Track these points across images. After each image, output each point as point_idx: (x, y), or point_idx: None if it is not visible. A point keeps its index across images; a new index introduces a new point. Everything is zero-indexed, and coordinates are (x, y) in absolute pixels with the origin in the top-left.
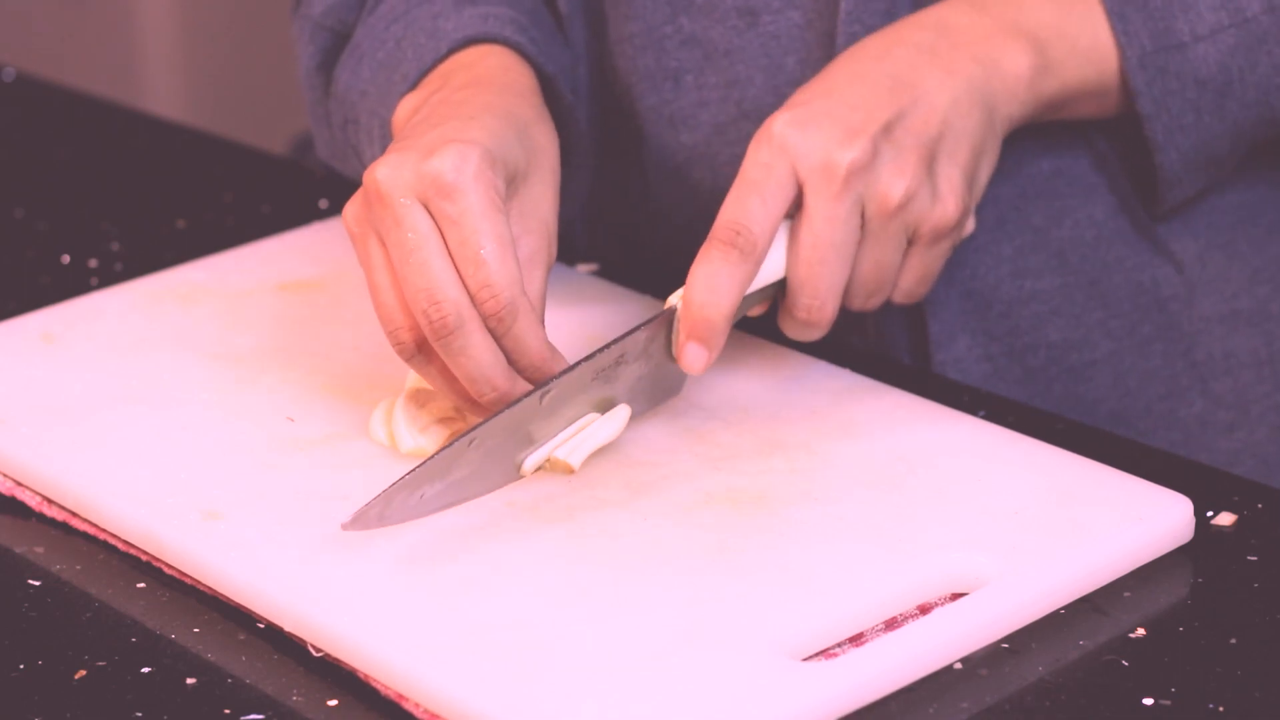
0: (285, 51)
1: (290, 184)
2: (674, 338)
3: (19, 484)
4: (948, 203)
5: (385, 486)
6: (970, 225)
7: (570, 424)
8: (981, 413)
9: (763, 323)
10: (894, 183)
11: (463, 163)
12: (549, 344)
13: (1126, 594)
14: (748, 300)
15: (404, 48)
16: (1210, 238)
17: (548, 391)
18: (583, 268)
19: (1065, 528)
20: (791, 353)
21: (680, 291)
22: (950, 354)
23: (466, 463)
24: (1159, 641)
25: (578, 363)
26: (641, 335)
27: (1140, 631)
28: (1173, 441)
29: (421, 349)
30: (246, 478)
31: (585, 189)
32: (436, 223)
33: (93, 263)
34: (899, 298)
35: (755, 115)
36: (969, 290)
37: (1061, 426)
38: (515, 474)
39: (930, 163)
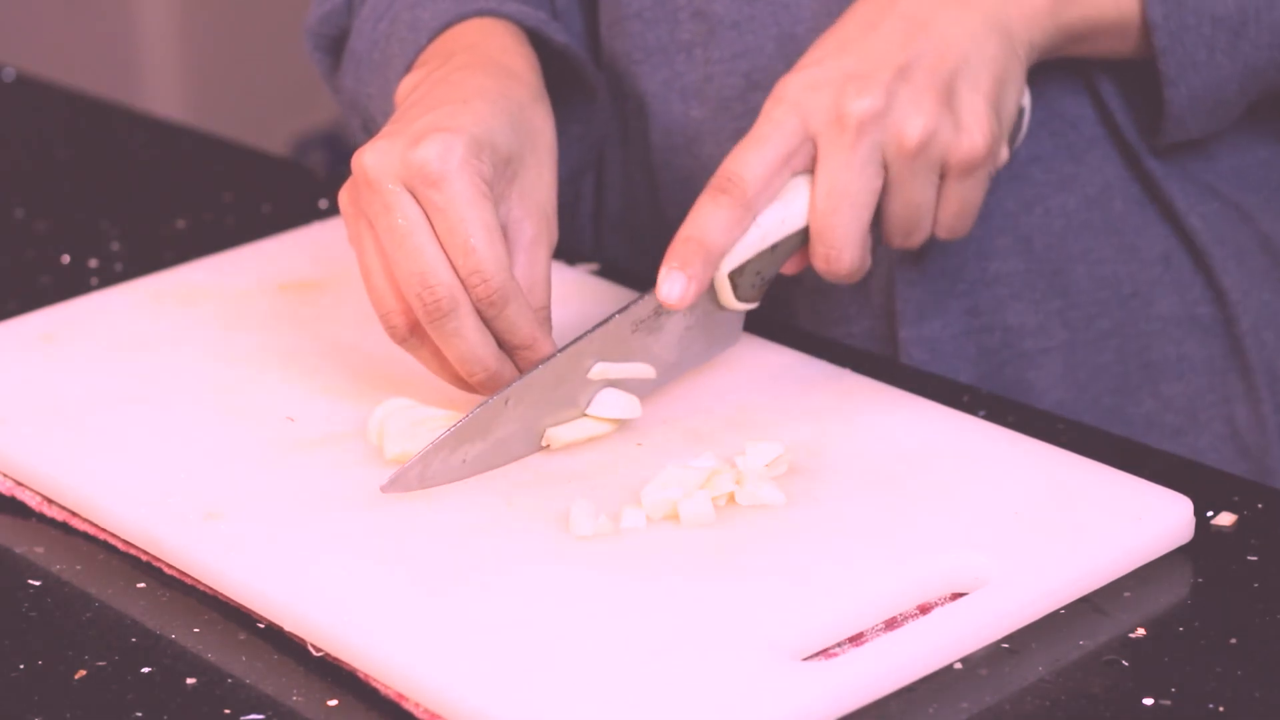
0: (285, 52)
1: (290, 184)
2: (716, 285)
3: (19, 484)
4: (974, 133)
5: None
6: (1005, 154)
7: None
8: (981, 413)
9: (762, 322)
10: (911, 122)
11: (447, 152)
12: (540, 326)
13: (1126, 594)
14: (774, 253)
15: (391, 44)
16: (1180, 240)
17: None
18: (583, 267)
19: (1065, 528)
20: (791, 352)
21: None
22: (917, 331)
23: (507, 422)
24: (1159, 641)
25: (612, 315)
26: None
27: (1140, 631)
28: None
29: (414, 332)
30: (246, 478)
31: (604, 128)
32: (424, 209)
33: (93, 263)
34: (942, 233)
35: (765, 85)
36: (941, 268)
37: (1062, 426)
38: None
39: (949, 97)
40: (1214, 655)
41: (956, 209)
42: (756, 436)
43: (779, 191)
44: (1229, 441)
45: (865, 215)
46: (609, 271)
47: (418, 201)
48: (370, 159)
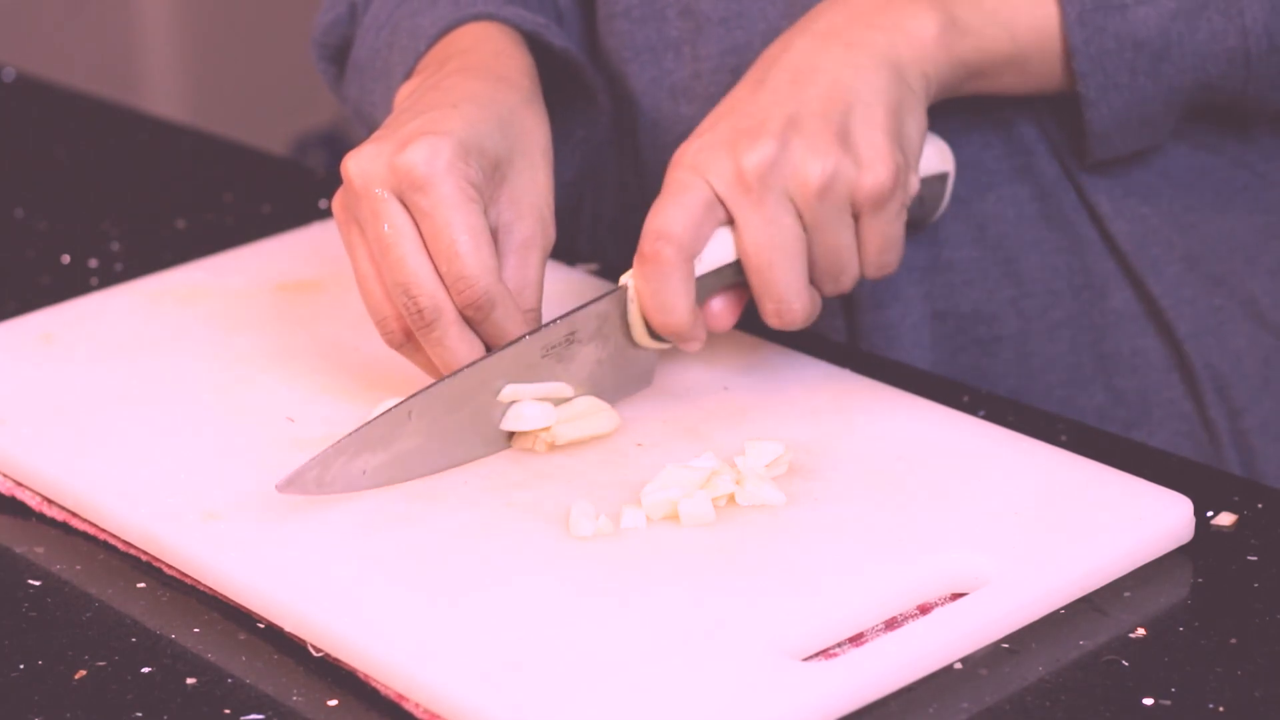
0: (285, 51)
1: (290, 184)
2: (630, 321)
3: (19, 484)
4: (876, 167)
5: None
6: (915, 184)
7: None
8: (981, 413)
9: (755, 319)
10: (809, 166)
11: (434, 156)
12: (529, 330)
13: (1126, 594)
14: (714, 278)
15: (392, 52)
16: (1107, 246)
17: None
18: (583, 268)
19: (1065, 528)
20: (790, 352)
21: (632, 272)
22: (875, 318)
23: (409, 436)
24: (1159, 641)
25: (521, 337)
26: (592, 312)
27: (1140, 631)
28: None
29: (409, 337)
30: (246, 478)
31: (606, 130)
32: (411, 215)
33: (93, 263)
34: (870, 272)
35: None
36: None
37: (1061, 426)
38: (474, 451)
39: (845, 136)
40: (1214, 655)
41: (879, 244)
42: (756, 436)
43: (708, 238)
44: (1186, 439)
45: (800, 263)
46: (609, 272)
47: (405, 206)
48: (357, 165)
